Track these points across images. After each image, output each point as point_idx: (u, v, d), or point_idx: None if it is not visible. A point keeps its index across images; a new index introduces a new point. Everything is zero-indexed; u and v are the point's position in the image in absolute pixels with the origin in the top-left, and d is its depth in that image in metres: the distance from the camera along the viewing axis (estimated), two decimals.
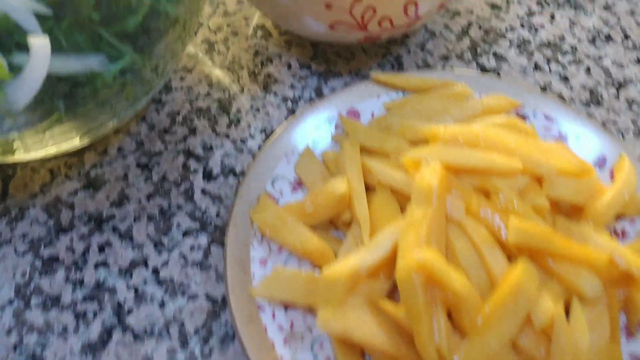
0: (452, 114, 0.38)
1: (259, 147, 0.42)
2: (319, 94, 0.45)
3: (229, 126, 0.43)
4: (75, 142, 0.38)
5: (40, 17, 0.31)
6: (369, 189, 0.35)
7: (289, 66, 0.46)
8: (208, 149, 0.41)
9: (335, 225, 0.36)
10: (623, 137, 0.41)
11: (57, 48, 0.31)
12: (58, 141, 0.37)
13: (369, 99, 0.41)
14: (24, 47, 0.31)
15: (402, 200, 0.33)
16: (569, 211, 0.34)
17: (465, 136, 0.32)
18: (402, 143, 0.35)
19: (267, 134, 0.42)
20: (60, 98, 0.34)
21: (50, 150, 0.37)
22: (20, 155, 0.37)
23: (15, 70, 0.31)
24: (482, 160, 0.31)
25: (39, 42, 0.29)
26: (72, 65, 0.33)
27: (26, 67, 0.29)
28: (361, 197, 0.33)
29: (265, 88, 0.45)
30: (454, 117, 0.38)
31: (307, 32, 0.43)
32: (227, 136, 0.42)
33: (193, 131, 0.42)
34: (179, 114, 0.43)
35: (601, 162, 0.37)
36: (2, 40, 0.31)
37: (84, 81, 0.34)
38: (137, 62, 0.36)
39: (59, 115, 0.34)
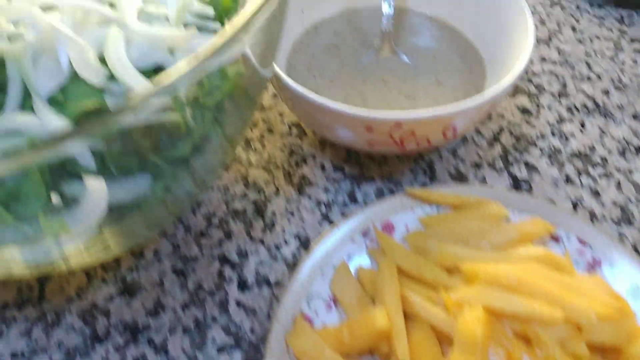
0: (489, 239, 0.38)
1: (293, 255, 0.42)
2: (352, 198, 0.45)
3: (263, 231, 0.43)
4: (115, 253, 0.38)
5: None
6: (407, 315, 0.35)
7: (323, 168, 0.47)
8: (243, 255, 0.42)
9: (372, 351, 0.36)
10: None
11: (104, 173, 0.32)
12: (97, 252, 0.38)
13: (403, 212, 0.41)
14: (76, 176, 0.32)
15: (441, 335, 0.34)
16: (605, 350, 0.34)
17: (505, 278, 0.33)
18: (441, 273, 0.36)
19: (301, 240, 0.43)
20: (104, 219, 0.35)
21: (89, 260, 0.38)
22: (60, 268, 0.37)
23: (67, 201, 0.31)
24: (524, 307, 0.31)
25: (95, 185, 0.30)
26: (120, 192, 0.33)
27: (80, 208, 0.30)
28: (401, 335, 0.33)
29: (300, 190, 0.46)
30: (491, 242, 0.38)
31: (343, 143, 0.43)
32: (262, 242, 0.43)
33: (228, 235, 0.43)
34: (215, 215, 0.44)
35: (635, 292, 0.38)
36: (56, 172, 0.32)
37: (130, 205, 0.34)
38: (185, 180, 0.36)
39: (103, 235, 0.35)
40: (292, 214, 0.44)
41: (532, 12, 0.58)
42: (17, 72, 0.33)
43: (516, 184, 0.46)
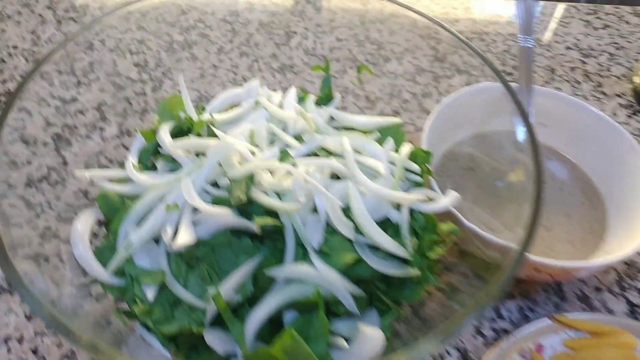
0: None
1: None
2: (498, 314, 0.53)
3: None
4: None
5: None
6: None
7: (467, 276, 0.55)
8: None
9: None
10: None
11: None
12: None
13: (550, 334, 0.50)
14: (336, 315, 0.40)
15: None
16: None
17: None
18: None
19: (460, 351, 0.51)
20: None
21: None
22: None
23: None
24: None
25: (373, 334, 0.38)
26: (350, 327, 0.41)
27: (355, 349, 0.38)
28: None
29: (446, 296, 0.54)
30: None
31: None
32: None
33: None
34: None
35: None
36: (329, 309, 0.39)
37: None
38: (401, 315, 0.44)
39: None
40: None
41: None
42: (290, 226, 0.41)
43: (632, 308, 0.55)
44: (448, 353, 0.51)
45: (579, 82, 0.78)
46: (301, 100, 0.55)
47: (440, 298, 0.53)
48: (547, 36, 0.85)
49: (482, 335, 0.53)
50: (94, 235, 0.59)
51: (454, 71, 0.78)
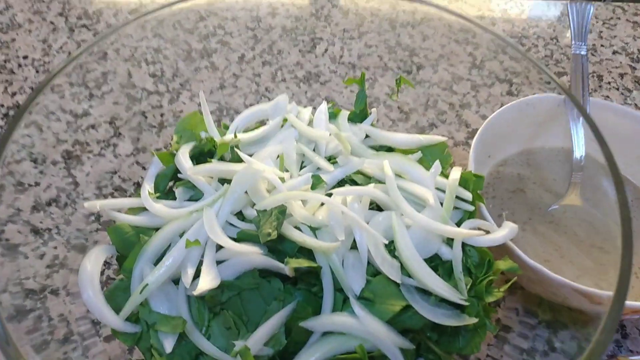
0: None
1: None
2: (552, 347, 0.48)
3: None
4: None
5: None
6: None
7: (517, 312, 0.50)
8: None
9: None
10: None
11: None
12: None
13: None
14: None
15: None
16: None
17: None
18: None
19: None
20: None
21: None
22: None
23: None
24: None
25: None
26: None
27: None
28: None
29: (498, 336, 0.48)
30: None
31: (553, 300, 0.46)
32: None
33: None
34: None
35: None
36: None
37: None
38: None
39: None
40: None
41: None
42: (327, 268, 0.35)
43: None
44: None
45: (629, 90, 0.71)
46: (333, 116, 0.50)
47: (488, 337, 0.48)
48: (591, 39, 0.79)
49: None
50: (106, 263, 0.55)
51: (493, 79, 0.72)
